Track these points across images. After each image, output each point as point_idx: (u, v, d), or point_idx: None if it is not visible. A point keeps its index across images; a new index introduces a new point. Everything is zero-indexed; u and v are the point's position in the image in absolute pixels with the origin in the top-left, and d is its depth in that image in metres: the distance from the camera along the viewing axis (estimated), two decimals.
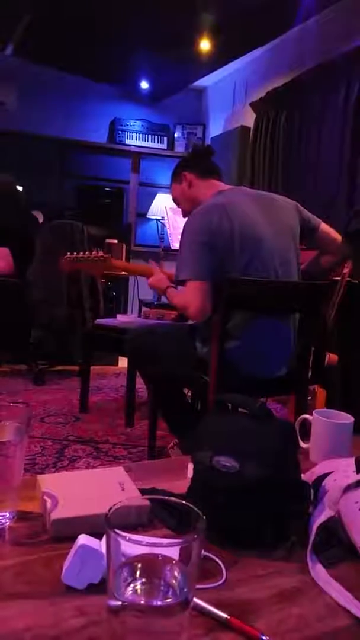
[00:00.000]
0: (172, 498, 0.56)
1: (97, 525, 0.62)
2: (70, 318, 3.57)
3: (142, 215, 5.48)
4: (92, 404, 3.16)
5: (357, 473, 0.77)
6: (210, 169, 2.05)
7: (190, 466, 0.84)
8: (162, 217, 4.73)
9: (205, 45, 4.04)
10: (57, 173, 5.19)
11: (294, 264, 1.90)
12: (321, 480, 0.81)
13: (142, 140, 5.50)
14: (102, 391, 3.54)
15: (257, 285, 1.76)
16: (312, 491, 0.79)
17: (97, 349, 3.19)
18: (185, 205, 2.04)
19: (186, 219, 1.91)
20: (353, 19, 3.44)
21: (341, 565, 0.70)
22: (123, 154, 5.50)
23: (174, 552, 0.49)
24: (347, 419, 1.08)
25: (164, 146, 5.58)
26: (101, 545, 0.61)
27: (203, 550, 0.65)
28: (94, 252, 2.22)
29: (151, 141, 5.54)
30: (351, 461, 0.81)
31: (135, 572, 0.49)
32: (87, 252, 2.21)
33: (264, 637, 0.55)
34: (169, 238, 3.85)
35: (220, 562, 0.68)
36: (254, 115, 4.50)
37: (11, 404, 0.81)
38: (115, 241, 4.90)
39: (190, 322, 2.00)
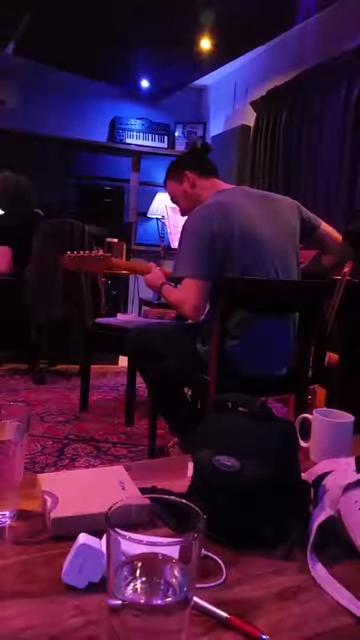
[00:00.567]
0: (172, 497, 0.56)
1: (97, 524, 0.62)
2: (68, 317, 3.57)
3: (142, 214, 5.47)
4: (93, 403, 3.16)
5: (357, 472, 0.77)
6: (210, 168, 2.04)
7: (191, 465, 0.84)
8: (163, 216, 4.73)
9: (205, 44, 4.03)
10: (57, 172, 5.19)
11: (294, 263, 1.90)
12: (321, 480, 0.81)
13: (143, 139, 5.50)
14: (102, 390, 3.54)
15: (257, 285, 1.76)
16: (312, 490, 0.79)
17: (98, 348, 3.19)
18: (187, 204, 2.03)
19: (185, 217, 1.91)
20: (353, 18, 3.43)
21: (341, 564, 0.70)
22: (123, 153, 5.49)
23: (174, 551, 0.49)
24: (348, 418, 1.08)
25: (165, 145, 5.58)
26: (101, 544, 0.61)
27: (203, 550, 0.66)
28: (94, 251, 2.22)
29: (151, 140, 5.54)
30: (351, 460, 0.81)
31: (135, 571, 0.49)
32: (87, 251, 2.21)
33: (264, 636, 0.55)
34: (169, 237, 3.85)
35: (220, 561, 0.68)
36: (254, 115, 4.50)
37: (11, 403, 0.81)
38: (116, 240, 4.89)
39: (190, 321, 2.00)
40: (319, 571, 0.68)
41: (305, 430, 1.12)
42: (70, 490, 0.79)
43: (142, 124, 5.50)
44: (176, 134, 5.65)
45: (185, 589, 0.48)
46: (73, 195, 5.21)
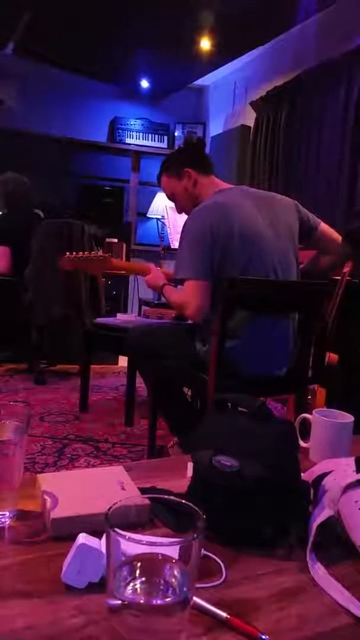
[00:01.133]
0: (172, 497, 0.56)
1: (97, 525, 0.62)
2: (68, 318, 3.58)
3: (142, 215, 5.47)
4: (92, 403, 3.16)
5: (357, 472, 0.77)
6: (210, 165, 2.03)
7: (190, 465, 0.84)
8: (162, 216, 4.73)
9: (205, 44, 4.03)
10: (57, 172, 5.18)
11: (294, 263, 1.90)
12: (321, 480, 0.81)
13: (142, 139, 5.50)
14: (102, 390, 3.54)
15: (257, 285, 1.76)
16: (311, 490, 0.79)
17: (97, 348, 3.19)
18: (186, 202, 2.02)
19: (185, 217, 1.91)
20: (353, 18, 3.43)
21: (341, 564, 0.70)
22: (123, 153, 5.49)
23: (173, 551, 0.49)
24: (347, 418, 1.08)
25: (164, 145, 5.58)
26: (101, 544, 0.61)
27: (203, 550, 0.65)
28: (94, 252, 2.22)
29: (151, 140, 5.54)
30: (351, 460, 0.81)
31: (135, 571, 0.49)
32: (87, 252, 2.21)
33: (263, 637, 0.55)
34: (169, 237, 3.84)
35: (220, 561, 0.68)
36: (254, 115, 4.50)
37: (11, 403, 0.81)
38: (115, 240, 4.90)
39: (189, 321, 2.00)
40: (319, 571, 0.68)
41: (305, 430, 1.12)
42: (70, 490, 0.79)
43: (142, 124, 5.50)
44: (176, 134, 5.65)
45: (185, 589, 0.48)
46: (73, 196, 5.20)
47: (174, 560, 0.49)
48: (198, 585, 0.60)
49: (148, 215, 5.24)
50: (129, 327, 2.49)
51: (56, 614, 0.57)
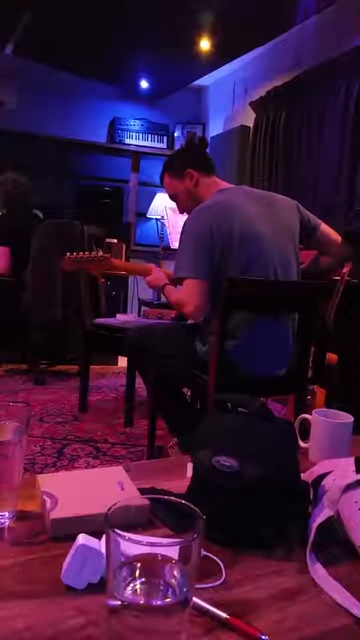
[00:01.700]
0: (172, 498, 0.56)
1: (97, 525, 0.62)
2: (68, 318, 3.58)
3: (141, 215, 5.47)
4: (92, 404, 3.16)
5: (357, 473, 0.77)
6: (211, 165, 2.04)
7: (190, 466, 0.84)
8: (162, 217, 4.73)
9: (205, 44, 4.03)
10: (56, 173, 5.18)
11: (294, 263, 1.90)
12: (320, 480, 0.81)
13: (142, 139, 5.50)
14: (102, 391, 3.54)
15: (257, 285, 1.76)
16: (311, 491, 0.79)
17: (97, 349, 3.19)
18: (188, 202, 2.02)
19: (186, 217, 1.91)
20: (353, 19, 3.44)
21: (340, 564, 0.70)
22: (123, 154, 5.49)
23: (173, 552, 0.49)
24: (347, 418, 1.08)
25: (164, 145, 5.58)
26: (101, 544, 0.61)
27: (202, 550, 0.66)
28: (93, 252, 2.22)
29: (151, 141, 5.53)
30: (351, 461, 0.81)
31: (135, 572, 0.49)
32: (87, 252, 2.21)
33: (263, 637, 0.55)
34: (169, 237, 3.85)
35: (219, 562, 0.68)
36: (253, 115, 4.50)
37: (10, 403, 0.81)
38: (115, 241, 4.89)
39: (189, 321, 2.00)
40: (319, 571, 0.68)
41: (305, 430, 1.12)
42: (69, 490, 0.79)
43: (142, 125, 5.49)
44: (175, 134, 5.65)
45: (184, 589, 0.48)
46: (72, 196, 5.20)
47: (173, 561, 0.49)
48: (198, 586, 0.59)
49: (148, 216, 5.24)
50: (128, 328, 2.49)
51: (56, 614, 0.57)
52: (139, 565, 0.49)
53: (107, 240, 4.71)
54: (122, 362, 3.89)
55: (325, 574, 0.67)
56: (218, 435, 0.82)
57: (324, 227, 2.03)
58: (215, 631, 0.56)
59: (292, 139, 3.99)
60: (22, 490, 0.78)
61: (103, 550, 0.56)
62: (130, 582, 0.48)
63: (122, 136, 5.41)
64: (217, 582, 0.65)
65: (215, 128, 5.40)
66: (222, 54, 4.33)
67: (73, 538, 0.63)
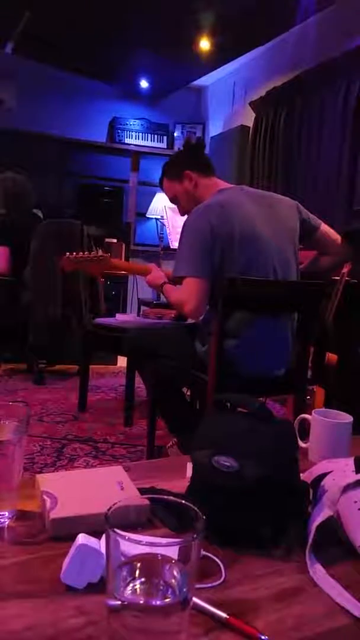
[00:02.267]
0: (172, 497, 0.56)
1: (97, 525, 0.62)
2: (67, 318, 3.58)
3: (141, 215, 5.47)
4: (91, 403, 3.16)
5: (356, 473, 0.77)
6: (209, 166, 2.04)
7: (190, 466, 0.84)
8: (162, 217, 4.73)
9: (204, 44, 4.03)
10: (56, 172, 5.18)
11: (293, 263, 1.90)
12: (320, 480, 0.81)
13: (142, 139, 5.50)
14: (101, 390, 3.54)
15: (256, 285, 1.76)
16: (311, 491, 0.79)
17: (96, 349, 3.19)
18: (187, 204, 2.02)
19: (185, 217, 1.91)
20: (353, 18, 3.44)
21: (340, 564, 0.70)
22: (122, 153, 5.49)
23: (173, 552, 0.49)
24: (346, 418, 1.08)
25: (164, 145, 5.58)
26: (100, 544, 0.61)
27: (202, 550, 0.65)
28: (93, 252, 2.22)
29: (151, 140, 5.53)
30: (350, 461, 0.81)
31: (135, 572, 0.49)
32: (86, 252, 2.21)
33: (263, 637, 0.55)
34: (168, 237, 3.85)
35: (219, 562, 0.68)
36: (253, 115, 4.50)
37: (10, 403, 0.81)
38: (115, 240, 4.90)
39: (189, 321, 2.00)
40: (318, 571, 0.68)
41: (304, 430, 1.12)
42: (69, 490, 0.79)
43: (141, 124, 5.49)
44: (175, 134, 5.64)
45: (184, 589, 0.48)
46: (72, 196, 5.20)
47: (173, 561, 0.49)
48: (198, 586, 0.60)
49: (147, 216, 5.24)
50: (128, 328, 2.49)
51: (56, 614, 0.57)
52: (138, 565, 0.49)
53: (107, 240, 4.72)
54: (122, 361, 3.89)
55: (325, 574, 0.67)
56: (218, 435, 0.82)
57: (324, 227, 2.03)
58: (215, 631, 0.56)
59: (292, 139, 3.99)
60: (22, 489, 0.78)
61: (103, 550, 0.56)
62: (130, 582, 0.48)
63: (122, 136, 5.41)
64: (217, 582, 0.65)
65: (215, 128, 5.40)
66: (222, 54, 4.32)
67: (73, 538, 0.63)
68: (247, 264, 1.77)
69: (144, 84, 5.06)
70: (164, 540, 0.51)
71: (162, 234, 4.72)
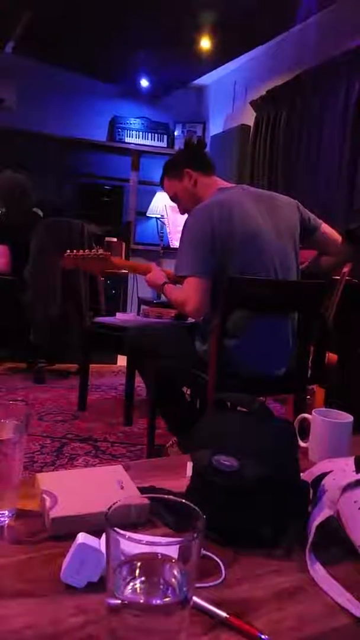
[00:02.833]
0: (172, 497, 0.56)
1: (97, 524, 0.62)
2: (67, 317, 3.57)
3: (141, 214, 5.47)
4: (91, 402, 3.16)
5: (357, 472, 0.77)
6: (210, 164, 2.03)
7: (190, 465, 0.84)
8: (162, 216, 4.73)
9: (205, 43, 4.03)
10: (56, 171, 5.18)
11: (294, 263, 1.90)
12: (320, 480, 0.81)
13: (142, 138, 5.50)
14: (101, 389, 3.54)
15: (257, 285, 1.76)
16: (311, 490, 0.79)
17: (96, 348, 3.19)
18: (188, 202, 2.01)
19: (186, 216, 1.91)
20: (353, 18, 3.43)
21: (340, 564, 0.70)
22: (123, 152, 5.49)
23: (173, 551, 0.49)
24: (347, 418, 1.08)
25: (164, 144, 5.58)
26: (100, 543, 0.61)
27: (202, 549, 0.65)
28: (93, 250, 2.21)
29: (151, 139, 5.54)
30: (350, 460, 0.81)
31: (135, 571, 0.49)
32: (87, 250, 2.21)
33: (263, 636, 0.55)
34: (169, 236, 3.84)
35: (219, 561, 0.68)
36: (254, 114, 4.50)
37: (10, 402, 0.81)
38: (115, 239, 4.90)
39: (189, 320, 2.00)
40: (318, 571, 0.68)
41: (305, 430, 1.12)
42: (69, 489, 0.79)
43: (142, 123, 5.49)
44: (176, 133, 5.65)
45: (184, 588, 0.48)
46: (72, 195, 5.20)
47: (173, 560, 0.49)
48: (198, 585, 0.59)
49: (148, 215, 5.24)
50: (128, 327, 2.49)
51: (55, 613, 0.57)
52: (138, 564, 0.49)
53: (107, 238, 4.72)
54: (122, 361, 3.89)
55: (325, 573, 0.67)
56: (218, 435, 0.82)
57: (325, 227, 2.03)
58: (215, 630, 0.56)
59: (292, 139, 3.99)
60: (22, 488, 0.78)
61: (103, 549, 0.56)
62: (130, 581, 0.48)
63: (122, 135, 5.41)
64: (217, 582, 0.65)
65: (215, 127, 5.40)
66: (223, 53, 4.33)
67: (73, 537, 0.63)
68: (247, 264, 1.77)
69: (144, 82, 5.06)
70: (164, 540, 0.51)
71: (163, 233, 4.73)
